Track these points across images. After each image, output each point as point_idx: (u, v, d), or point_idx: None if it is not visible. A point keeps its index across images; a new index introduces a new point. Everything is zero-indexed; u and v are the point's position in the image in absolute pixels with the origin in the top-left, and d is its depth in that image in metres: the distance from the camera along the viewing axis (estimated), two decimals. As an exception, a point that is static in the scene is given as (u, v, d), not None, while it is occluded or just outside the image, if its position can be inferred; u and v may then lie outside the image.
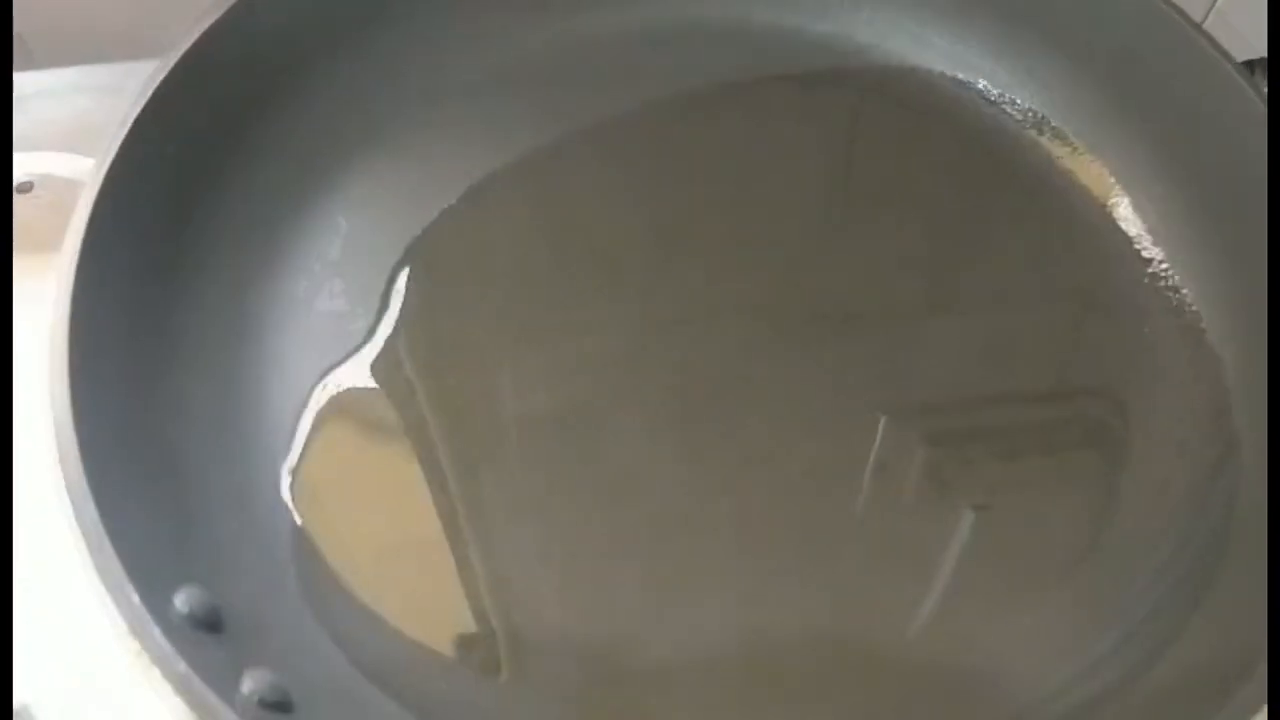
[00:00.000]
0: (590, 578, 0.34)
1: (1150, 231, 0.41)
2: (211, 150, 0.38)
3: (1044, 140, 0.43)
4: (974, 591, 0.34)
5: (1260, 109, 0.36)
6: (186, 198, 0.37)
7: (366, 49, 0.41)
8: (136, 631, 0.27)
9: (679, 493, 0.36)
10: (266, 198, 0.39)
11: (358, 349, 0.38)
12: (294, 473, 0.36)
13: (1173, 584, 0.34)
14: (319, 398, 0.37)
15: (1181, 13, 0.38)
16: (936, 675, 0.33)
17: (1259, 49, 0.45)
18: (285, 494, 0.35)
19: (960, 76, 0.44)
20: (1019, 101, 0.43)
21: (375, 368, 0.38)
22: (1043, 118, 0.43)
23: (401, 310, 0.39)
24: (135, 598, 0.27)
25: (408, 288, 0.39)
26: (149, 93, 0.35)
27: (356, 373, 0.38)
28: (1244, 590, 0.32)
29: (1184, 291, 0.40)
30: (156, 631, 0.27)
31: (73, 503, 0.29)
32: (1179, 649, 0.32)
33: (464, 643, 0.33)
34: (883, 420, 0.37)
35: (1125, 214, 0.41)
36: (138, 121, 0.34)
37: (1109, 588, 0.34)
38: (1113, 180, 0.41)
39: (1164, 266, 0.40)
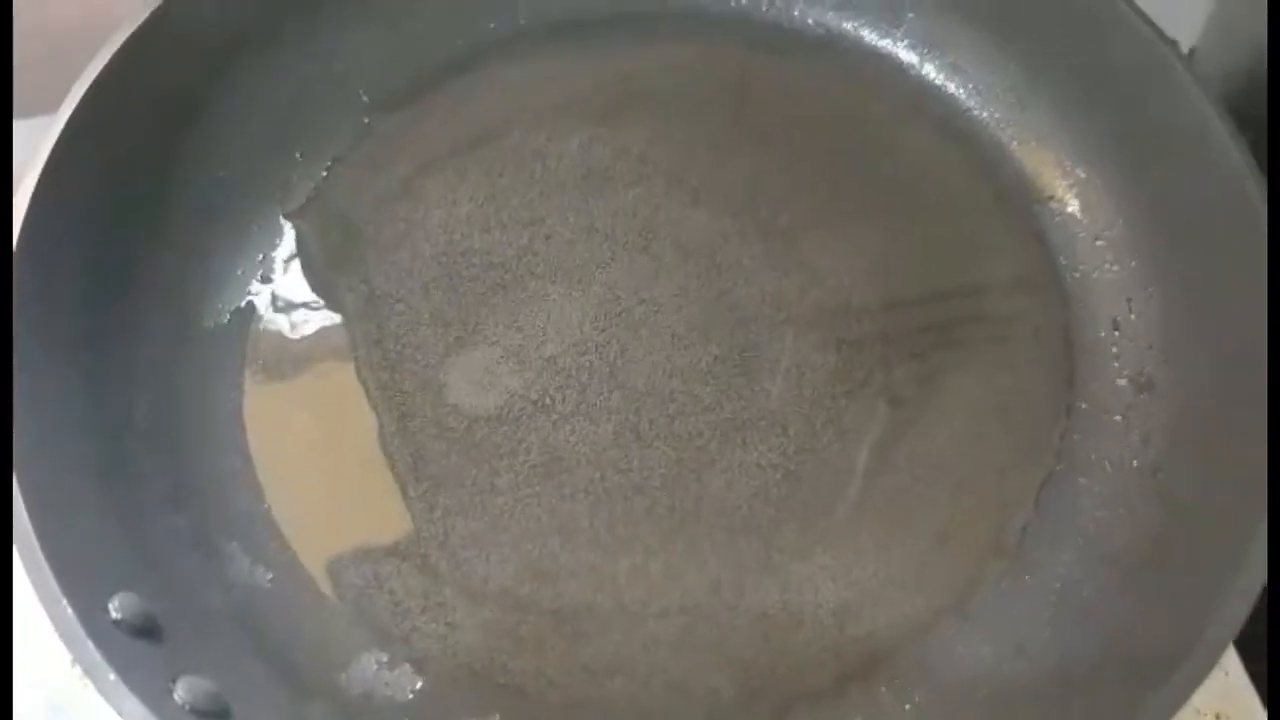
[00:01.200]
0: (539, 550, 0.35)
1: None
2: (130, 183, 0.37)
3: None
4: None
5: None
6: (110, 224, 0.37)
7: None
8: (69, 640, 0.27)
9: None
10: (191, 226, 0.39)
11: (301, 344, 0.38)
12: (239, 473, 0.36)
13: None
14: (262, 395, 0.37)
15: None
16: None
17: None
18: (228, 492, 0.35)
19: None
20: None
21: (319, 363, 0.38)
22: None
23: (348, 307, 0.39)
24: (67, 607, 0.27)
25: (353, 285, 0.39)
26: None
27: (303, 369, 0.38)
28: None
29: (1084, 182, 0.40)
30: (88, 641, 0.27)
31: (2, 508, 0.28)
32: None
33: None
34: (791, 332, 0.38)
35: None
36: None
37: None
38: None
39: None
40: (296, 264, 0.40)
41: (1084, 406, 0.37)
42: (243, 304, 0.39)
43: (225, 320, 0.39)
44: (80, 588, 0.28)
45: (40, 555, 0.28)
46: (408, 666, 0.33)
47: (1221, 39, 0.46)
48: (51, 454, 0.31)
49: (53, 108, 0.36)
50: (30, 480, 0.29)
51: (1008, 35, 0.41)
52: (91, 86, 0.36)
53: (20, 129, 0.42)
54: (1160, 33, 0.36)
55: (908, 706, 0.33)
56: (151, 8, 0.37)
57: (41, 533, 0.28)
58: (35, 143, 0.34)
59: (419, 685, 0.33)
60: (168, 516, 0.34)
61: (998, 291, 0.39)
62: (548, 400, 0.37)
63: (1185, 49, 0.38)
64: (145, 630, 0.29)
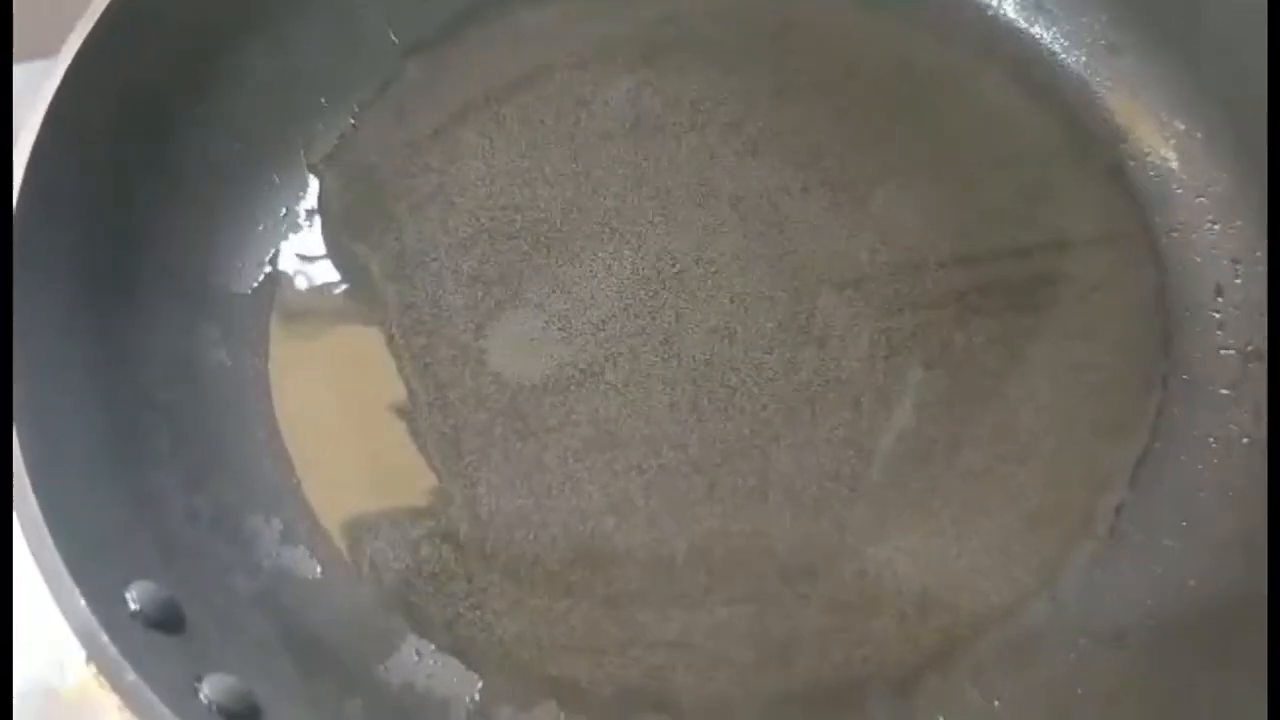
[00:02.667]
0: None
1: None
2: (146, 131, 0.34)
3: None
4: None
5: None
6: (125, 177, 0.34)
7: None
8: (83, 635, 0.24)
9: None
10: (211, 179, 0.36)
11: (331, 304, 0.35)
12: (266, 444, 0.33)
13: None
14: (290, 361, 0.34)
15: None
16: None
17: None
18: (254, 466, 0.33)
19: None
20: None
21: (350, 325, 0.35)
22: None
23: (379, 266, 0.36)
24: (80, 597, 0.24)
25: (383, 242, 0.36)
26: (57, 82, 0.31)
27: (333, 332, 0.35)
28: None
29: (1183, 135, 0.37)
30: (103, 635, 0.24)
31: (16, 495, 0.26)
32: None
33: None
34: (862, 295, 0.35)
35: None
36: (49, 122, 0.30)
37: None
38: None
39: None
40: (320, 217, 0.37)
41: (1185, 378, 0.34)
42: (265, 262, 0.36)
43: (245, 281, 0.36)
44: (94, 576, 0.25)
45: (50, 541, 0.25)
46: (452, 657, 0.30)
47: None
48: (58, 433, 0.28)
49: (53, 50, 0.33)
50: (37, 462, 0.26)
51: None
52: (96, 25, 0.33)
53: (19, 73, 0.39)
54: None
55: (996, 704, 0.30)
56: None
57: (50, 518, 0.26)
58: (35, 89, 0.31)
59: (464, 676, 0.30)
60: (188, 496, 0.31)
61: (1083, 249, 0.36)
62: (597, 369, 0.34)
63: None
64: (166, 622, 0.26)
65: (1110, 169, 0.37)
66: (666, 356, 0.34)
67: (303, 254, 0.36)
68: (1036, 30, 0.39)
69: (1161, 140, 0.37)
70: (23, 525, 0.26)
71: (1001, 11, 0.40)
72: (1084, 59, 0.39)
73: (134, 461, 0.30)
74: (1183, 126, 0.37)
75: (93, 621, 0.24)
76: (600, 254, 0.36)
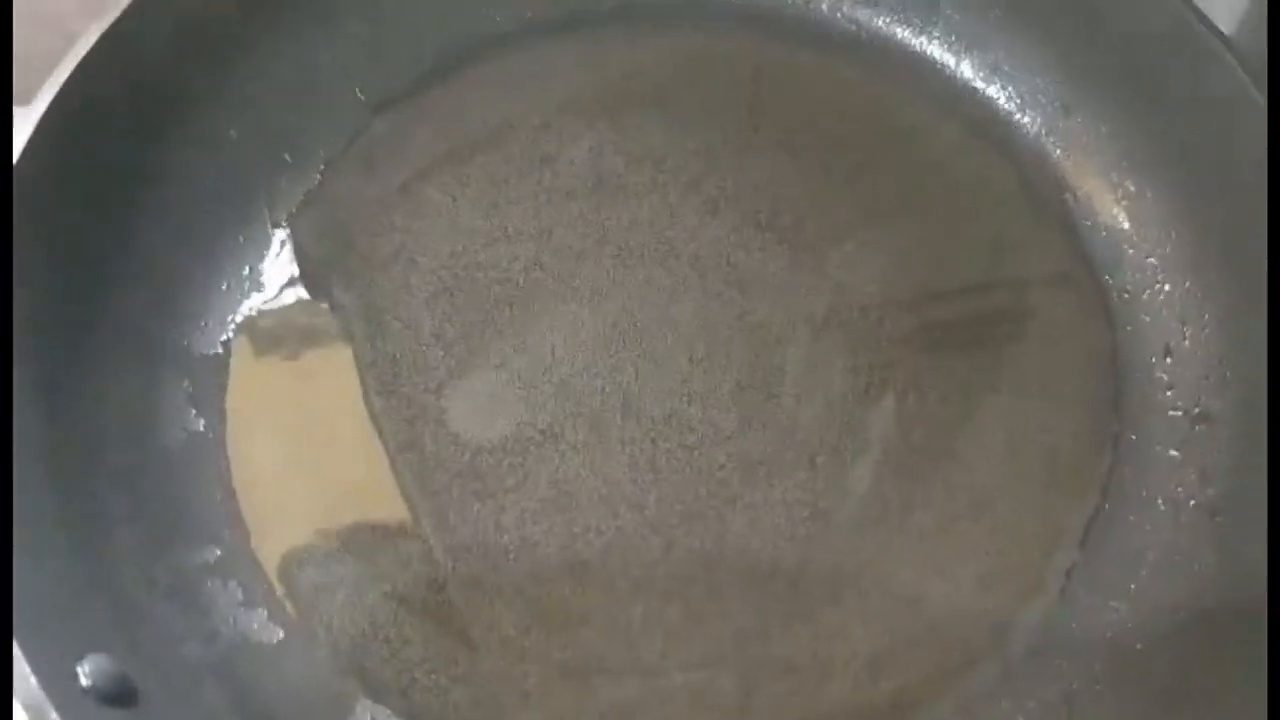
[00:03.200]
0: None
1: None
2: (107, 190, 0.35)
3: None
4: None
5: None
6: (86, 238, 0.34)
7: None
8: (32, 712, 0.24)
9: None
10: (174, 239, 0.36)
11: (291, 365, 0.36)
12: (223, 508, 0.33)
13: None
14: (248, 421, 0.34)
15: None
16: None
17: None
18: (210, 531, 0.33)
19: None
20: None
21: (311, 385, 0.35)
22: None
23: (342, 324, 0.36)
24: (31, 675, 0.25)
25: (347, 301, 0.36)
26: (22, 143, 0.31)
27: (293, 393, 0.35)
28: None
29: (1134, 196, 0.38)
30: (53, 716, 0.24)
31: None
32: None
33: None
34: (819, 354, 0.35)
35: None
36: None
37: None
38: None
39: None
40: (285, 278, 0.37)
41: (1133, 438, 0.34)
42: (228, 321, 0.36)
43: (208, 341, 0.36)
44: (46, 650, 0.25)
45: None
46: (406, 724, 0.31)
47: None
48: (12, 502, 0.28)
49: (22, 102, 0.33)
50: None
51: (1052, 35, 0.38)
52: (63, 86, 0.33)
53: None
54: (1221, 35, 0.34)
55: (946, 769, 0.30)
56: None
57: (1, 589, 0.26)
58: None
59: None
60: (145, 562, 0.31)
61: (1039, 301, 0.37)
62: (557, 429, 0.34)
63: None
64: (118, 696, 0.26)
65: (1064, 226, 0.38)
66: (626, 416, 0.35)
67: (266, 313, 0.36)
68: (993, 90, 0.40)
69: (1113, 200, 0.38)
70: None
71: (959, 71, 0.41)
72: (1039, 119, 0.39)
73: (89, 528, 0.30)
74: (1133, 187, 0.37)
75: (43, 698, 0.24)
76: (561, 313, 0.36)
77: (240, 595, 0.32)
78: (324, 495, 0.33)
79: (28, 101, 0.32)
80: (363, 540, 0.33)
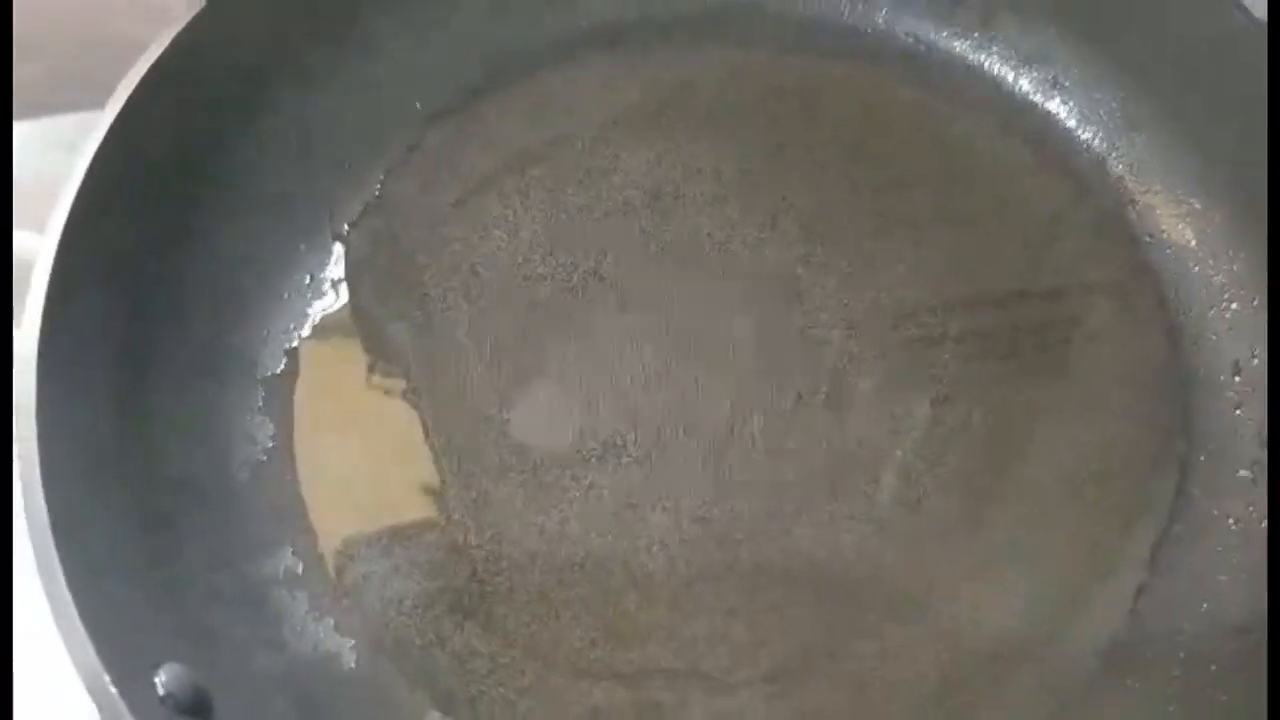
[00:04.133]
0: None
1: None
2: (173, 199, 0.35)
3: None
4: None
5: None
6: (151, 249, 0.34)
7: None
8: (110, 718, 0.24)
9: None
10: (236, 248, 0.36)
11: (354, 373, 0.36)
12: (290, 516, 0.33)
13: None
14: (314, 429, 0.35)
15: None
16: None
17: None
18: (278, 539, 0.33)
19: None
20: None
21: (375, 394, 0.35)
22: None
23: (402, 335, 0.36)
24: (110, 683, 0.25)
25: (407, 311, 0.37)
26: (89, 156, 0.32)
27: (357, 401, 0.35)
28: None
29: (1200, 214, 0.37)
30: (131, 721, 0.24)
31: (41, 575, 0.26)
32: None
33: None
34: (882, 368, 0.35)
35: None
36: (80, 195, 0.31)
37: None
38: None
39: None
40: (345, 287, 0.37)
41: (1202, 459, 0.34)
42: (289, 331, 0.36)
43: (270, 351, 0.36)
44: (124, 660, 0.25)
45: (79, 624, 0.25)
46: (475, 735, 0.31)
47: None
48: (85, 511, 0.28)
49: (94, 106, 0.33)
50: (67, 543, 0.26)
51: (1116, 48, 0.38)
52: (127, 101, 0.33)
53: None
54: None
55: (1015, 792, 0.30)
56: (194, 11, 0.35)
57: (80, 600, 0.26)
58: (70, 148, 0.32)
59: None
60: (212, 573, 0.31)
61: (1100, 325, 0.36)
62: (619, 441, 0.34)
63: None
64: (195, 706, 0.26)
65: (1127, 242, 0.38)
66: (688, 429, 0.34)
67: (328, 323, 0.36)
68: (1053, 105, 0.40)
69: (1178, 216, 0.37)
70: (52, 606, 0.26)
71: (1018, 87, 0.40)
72: (1100, 133, 0.39)
73: (159, 539, 0.30)
74: (1199, 205, 0.37)
75: (122, 706, 0.24)
76: (621, 324, 0.36)
77: (308, 605, 0.32)
78: (390, 505, 0.33)
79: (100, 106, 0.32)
80: (428, 551, 0.33)
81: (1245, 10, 0.34)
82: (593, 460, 0.34)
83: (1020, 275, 0.37)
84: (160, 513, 0.31)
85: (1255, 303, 0.35)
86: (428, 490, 0.34)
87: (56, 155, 0.45)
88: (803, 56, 0.41)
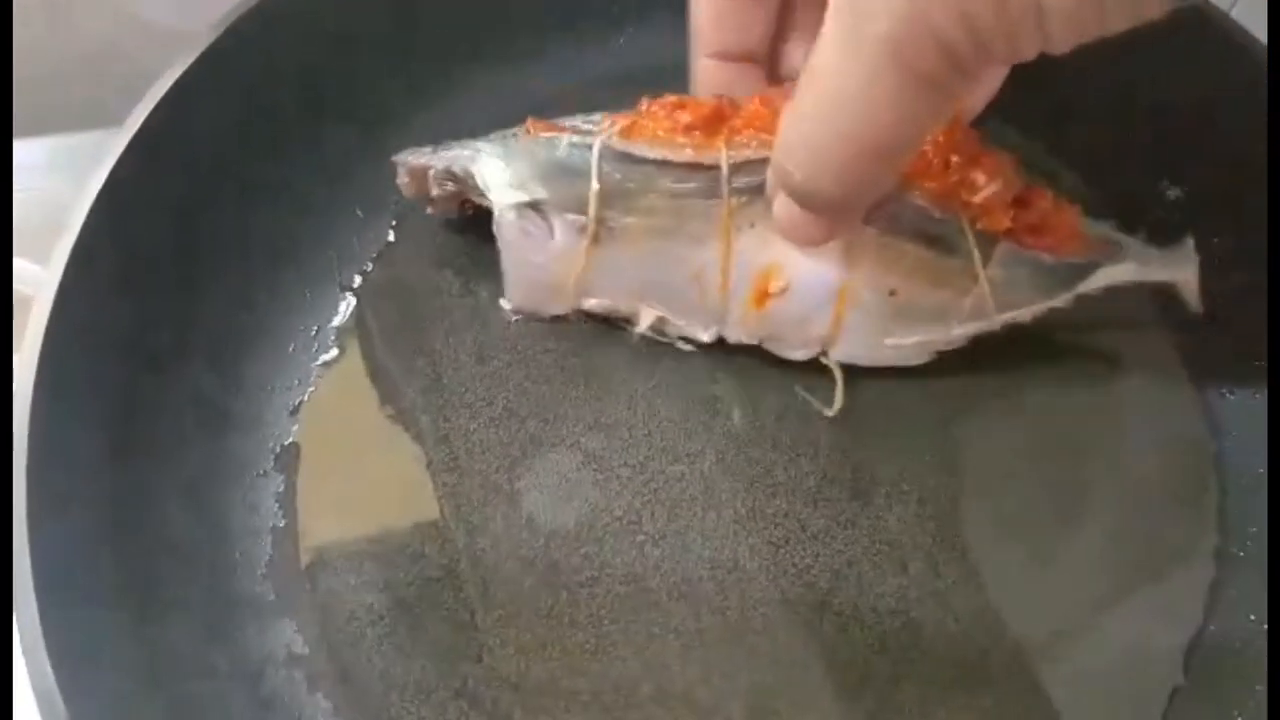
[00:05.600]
0: None
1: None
2: (178, 239, 0.34)
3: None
4: None
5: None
6: (154, 290, 0.33)
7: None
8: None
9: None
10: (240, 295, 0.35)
11: (360, 431, 0.34)
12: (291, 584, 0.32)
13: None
14: (319, 500, 0.33)
15: None
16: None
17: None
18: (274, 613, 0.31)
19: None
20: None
21: (379, 463, 0.34)
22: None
23: (411, 393, 0.35)
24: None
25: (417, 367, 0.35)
26: (98, 185, 0.31)
27: (361, 462, 0.34)
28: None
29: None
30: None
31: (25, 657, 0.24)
32: None
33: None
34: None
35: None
36: (84, 229, 0.30)
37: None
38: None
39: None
40: (356, 337, 0.36)
41: (1240, 555, 0.33)
42: (294, 385, 0.35)
43: (275, 405, 0.34)
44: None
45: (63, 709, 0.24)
46: (475, 832, 0.29)
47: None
48: (72, 579, 0.27)
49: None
50: (54, 626, 0.25)
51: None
52: (130, 143, 0.32)
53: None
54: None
55: None
56: (200, 49, 0.33)
57: (64, 685, 0.25)
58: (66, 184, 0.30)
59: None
60: (205, 647, 0.29)
61: (1136, 406, 0.35)
62: (634, 517, 0.33)
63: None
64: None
65: (1164, 317, 0.36)
66: (706, 506, 0.33)
67: (335, 376, 0.35)
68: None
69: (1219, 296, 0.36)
70: (35, 688, 0.24)
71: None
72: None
73: (151, 612, 0.29)
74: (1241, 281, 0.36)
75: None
76: (641, 390, 0.35)
77: (305, 682, 0.30)
78: (394, 582, 0.32)
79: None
80: (433, 633, 0.31)
81: None
82: (606, 538, 0.33)
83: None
84: (150, 582, 0.29)
85: (1298, 393, 0.34)
86: (434, 565, 0.32)
87: (56, 179, 0.43)
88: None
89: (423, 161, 0.35)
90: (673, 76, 0.34)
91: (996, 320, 0.33)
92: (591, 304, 0.35)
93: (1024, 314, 0.33)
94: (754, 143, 0.31)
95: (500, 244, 0.34)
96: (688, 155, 0.32)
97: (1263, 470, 0.34)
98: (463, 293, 0.36)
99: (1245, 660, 0.31)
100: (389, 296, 0.36)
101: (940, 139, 0.31)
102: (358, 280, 0.37)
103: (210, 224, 0.35)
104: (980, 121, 0.32)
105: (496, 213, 0.33)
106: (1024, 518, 0.33)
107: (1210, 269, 0.34)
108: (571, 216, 0.33)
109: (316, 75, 0.36)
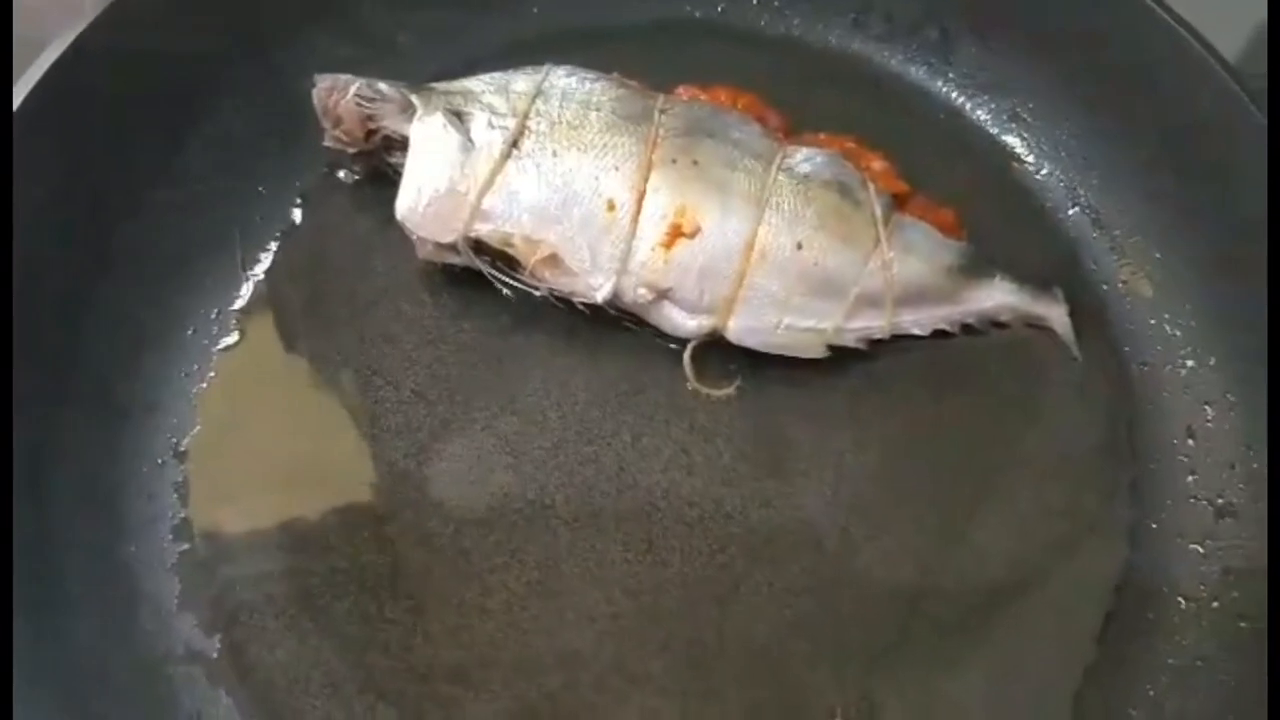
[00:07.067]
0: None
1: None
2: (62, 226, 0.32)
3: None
4: None
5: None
6: (45, 277, 0.32)
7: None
8: None
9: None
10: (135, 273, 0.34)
11: (260, 427, 0.33)
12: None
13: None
14: (215, 483, 0.32)
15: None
16: None
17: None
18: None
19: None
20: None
21: (278, 447, 0.33)
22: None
23: (316, 377, 0.33)
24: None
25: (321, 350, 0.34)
26: None
27: (257, 458, 0.33)
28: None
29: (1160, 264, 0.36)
30: None
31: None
32: None
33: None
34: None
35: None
36: None
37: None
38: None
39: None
40: (259, 321, 0.34)
41: (1153, 527, 0.33)
42: (193, 371, 0.33)
43: (170, 391, 0.33)
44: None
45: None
46: (383, 832, 0.28)
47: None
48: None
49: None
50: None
51: (1075, 84, 0.36)
52: (16, 117, 0.30)
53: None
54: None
55: None
56: (88, 21, 0.32)
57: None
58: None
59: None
60: (102, 645, 0.29)
61: (1046, 385, 0.35)
62: (547, 501, 0.32)
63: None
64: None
65: (1083, 291, 0.36)
66: (621, 488, 0.32)
67: (236, 361, 0.34)
68: (1010, 138, 0.38)
69: (1136, 265, 0.36)
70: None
71: (974, 115, 0.39)
72: (1058, 172, 0.38)
73: (45, 610, 0.28)
74: (1158, 254, 0.36)
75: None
76: (555, 371, 0.34)
77: (206, 681, 0.29)
78: (297, 572, 0.31)
79: None
80: (339, 624, 0.30)
81: (1218, 56, 0.33)
82: (519, 523, 0.32)
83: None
84: (48, 576, 0.28)
85: (1212, 362, 0.34)
86: (342, 554, 0.31)
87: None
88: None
89: (347, 77, 0.34)
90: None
91: (890, 317, 0.33)
92: (484, 230, 0.33)
93: (913, 323, 0.34)
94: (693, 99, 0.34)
95: (411, 145, 0.33)
96: (633, 85, 0.33)
97: (1176, 441, 0.34)
98: (371, 273, 0.35)
99: (1157, 635, 0.31)
100: (293, 278, 0.35)
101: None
102: (261, 261, 0.35)
103: (104, 203, 0.33)
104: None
105: (417, 116, 0.32)
106: (939, 494, 0.33)
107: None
108: (496, 120, 0.32)
109: (220, 49, 0.35)
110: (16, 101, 0.31)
